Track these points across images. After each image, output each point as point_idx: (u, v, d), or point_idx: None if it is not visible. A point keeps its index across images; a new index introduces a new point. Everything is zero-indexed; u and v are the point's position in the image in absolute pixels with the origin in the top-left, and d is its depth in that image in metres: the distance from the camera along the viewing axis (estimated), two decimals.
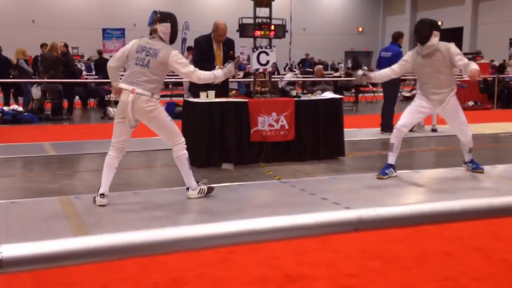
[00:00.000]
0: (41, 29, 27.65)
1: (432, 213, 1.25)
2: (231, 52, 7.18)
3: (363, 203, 4.85)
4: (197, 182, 4.98)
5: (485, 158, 6.23)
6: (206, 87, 6.76)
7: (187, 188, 4.96)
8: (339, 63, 29.39)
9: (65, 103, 12.70)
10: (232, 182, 5.67)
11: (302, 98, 7.12)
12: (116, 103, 13.85)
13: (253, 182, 5.75)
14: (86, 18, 30.87)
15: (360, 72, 6.16)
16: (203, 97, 6.67)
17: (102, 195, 4.67)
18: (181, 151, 4.83)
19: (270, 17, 7.19)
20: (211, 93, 6.67)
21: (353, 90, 16.14)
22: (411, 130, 9.70)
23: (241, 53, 20.45)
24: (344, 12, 37.92)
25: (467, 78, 7.05)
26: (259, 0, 7.11)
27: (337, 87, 14.92)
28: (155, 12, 4.75)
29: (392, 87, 9.65)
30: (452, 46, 5.67)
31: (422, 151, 8.21)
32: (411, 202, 5.16)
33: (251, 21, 7.13)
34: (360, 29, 38.39)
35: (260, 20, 7.19)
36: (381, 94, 11.06)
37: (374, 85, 15.98)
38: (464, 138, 5.97)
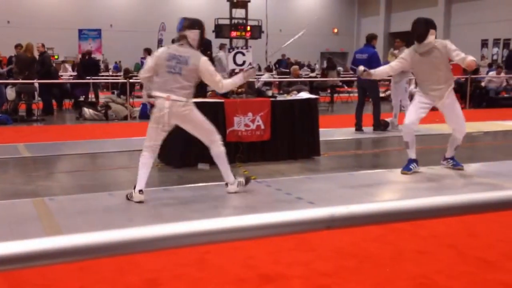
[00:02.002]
0: (16, 30, 27.18)
1: (404, 210, 1.26)
2: (208, 52, 7.17)
3: (338, 202, 4.88)
4: (234, 176, 5.18)
5: (458, 157, 6.33)
6: None
7: (226, 184, 5.13)
8: (315, 64, 29.59)
9: (40, 104, 12.58)
10: (208, 182, 5.65)
11: (278, 99, 7.14)
12: (90, 103, 13.68)
13: None
14: (62, 18, 30.45)
15: (361, 67, 6.21)
16: None
17: (141, 191, 4.77)
18: (219, 148, 5.00)
19: (246, 18, 7.21)
20: None
21: (329, 91, 16.26)
22: (386, 129, 9.88)
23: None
24: (319, 14, 38.22)
25: None
26: (235, 1, 7.11)
27: (313, 87, 15.02)
28: (184, 19, 4.90)
29: (375, 89, 9.86)
30: (448, 43, 5.83)
31: (397, 150, 8.30)
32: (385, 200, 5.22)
33: (227, 22, 7.13)
34: (336, 30, 38.75)
35: (236, 21, 7.19)
36: (356, 95, 11.19)
37: (350, 86, 16.15)
38: (459, 134, 6.08)
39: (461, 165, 6.27)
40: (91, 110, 12.31)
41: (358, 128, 9.78)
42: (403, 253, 3.53)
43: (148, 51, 14.63)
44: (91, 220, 4.33)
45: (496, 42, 27.40)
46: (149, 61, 4.93)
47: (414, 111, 5.98)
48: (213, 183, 5.57)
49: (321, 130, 7.38)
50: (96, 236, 1.11)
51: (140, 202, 4.77)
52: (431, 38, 5.71)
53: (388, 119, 10.11)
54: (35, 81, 12.08)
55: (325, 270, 3.22)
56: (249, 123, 6.71)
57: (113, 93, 17.32)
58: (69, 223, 4.25)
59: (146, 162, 4.87)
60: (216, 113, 6.63)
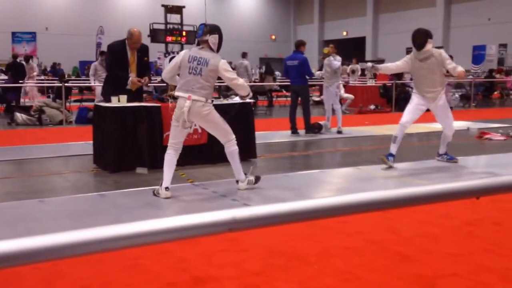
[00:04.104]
0: None
1: (308, 210, 1.35)
2: (146, 58, 7.15)
3: (273, 203, 4.99)
4: (245, 174, 5.50)
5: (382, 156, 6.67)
6: (119, 91, 6.70)
7: (237, 181, 5.47)
8: (252, 69, 29.97)
9: None
10: (145, 186, 5.65)
11: (214, 103, 7.19)
12: (23, 108, 13.24)
13: None
14: None
15: (369, 64, 6.84)
16: (114, 102, 6.59)
17: (167, 188, 5.13)
18: (233, 147, 5.34)
19: (181, 23, 7.24)
20: (123, 97, 6.62)
21: (268, 95, 16.54)
22: (319, 132, 10.17)
23: (159, 58, 20.19)
24: (258, 21, 39.16)
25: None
26: (169, 6, 7.13)
27: (252, 92, 15.19)
28: (204, 25, 5.25)
29: (306, 93, 10.11)
30: (443, 52, 6.51)
31: (329, 151, 8.57)
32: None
33: (162, 26, 7.14)
34: (273, 37, 39.76)
35: (171, 26, 7.21)
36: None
37: (287, 90, 16.46)
38: (448, 131, 6.76)
39: (455, 158, 6.91)
40: (23, 115, 11.94)
41: (294, 131, 10.00)
42: (330, 249, 3.67)
43: None
44: (16, 229, 4.17)
45: None
46: (172, 63, 5.29)
47: (412, 112, 6.58)
48: (150, 187, 5.56)
49: (258, 133, 7.51)
50: (15, 243, 1.09)
51: (166, 198, 5.08)
52: (429, 46, 6.39)
53: (321, 122, 10.41)
54: None
55: (255, 270, 3.30)
56: None
57: (48, 97, 16.86)
58: None
59: (170, 160, 5.21)
60: (152, 118, 6.63)
